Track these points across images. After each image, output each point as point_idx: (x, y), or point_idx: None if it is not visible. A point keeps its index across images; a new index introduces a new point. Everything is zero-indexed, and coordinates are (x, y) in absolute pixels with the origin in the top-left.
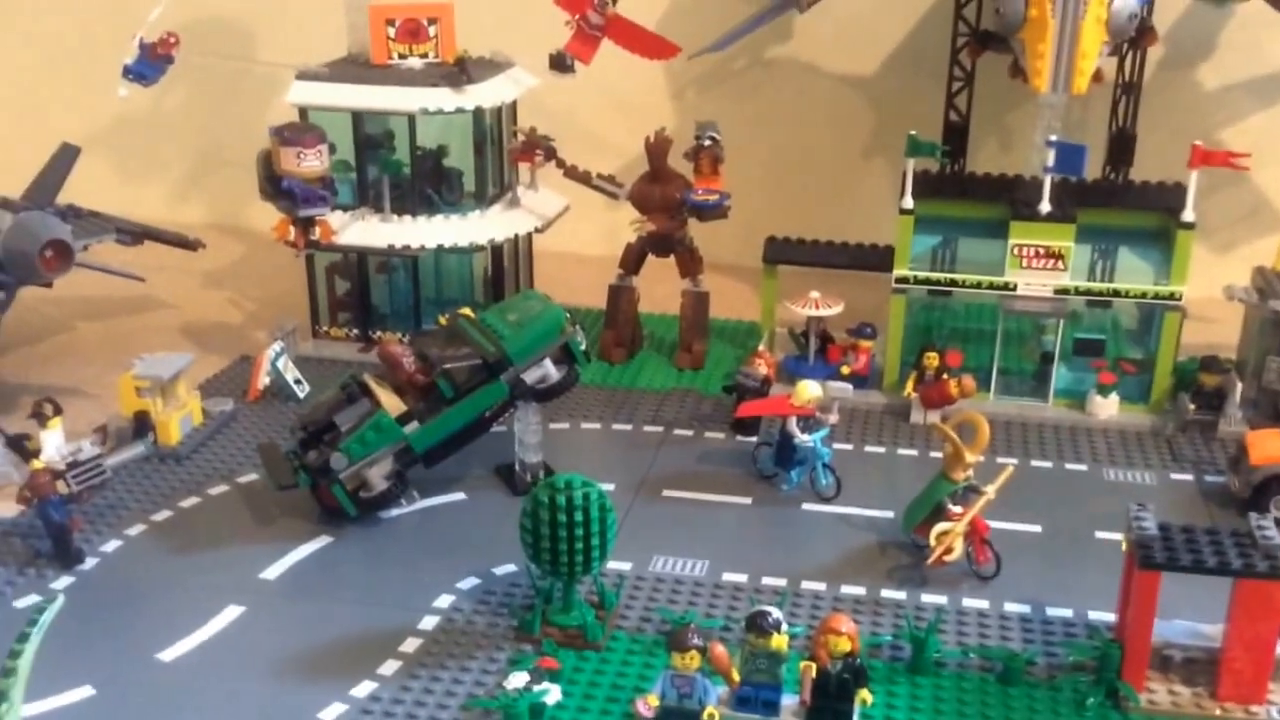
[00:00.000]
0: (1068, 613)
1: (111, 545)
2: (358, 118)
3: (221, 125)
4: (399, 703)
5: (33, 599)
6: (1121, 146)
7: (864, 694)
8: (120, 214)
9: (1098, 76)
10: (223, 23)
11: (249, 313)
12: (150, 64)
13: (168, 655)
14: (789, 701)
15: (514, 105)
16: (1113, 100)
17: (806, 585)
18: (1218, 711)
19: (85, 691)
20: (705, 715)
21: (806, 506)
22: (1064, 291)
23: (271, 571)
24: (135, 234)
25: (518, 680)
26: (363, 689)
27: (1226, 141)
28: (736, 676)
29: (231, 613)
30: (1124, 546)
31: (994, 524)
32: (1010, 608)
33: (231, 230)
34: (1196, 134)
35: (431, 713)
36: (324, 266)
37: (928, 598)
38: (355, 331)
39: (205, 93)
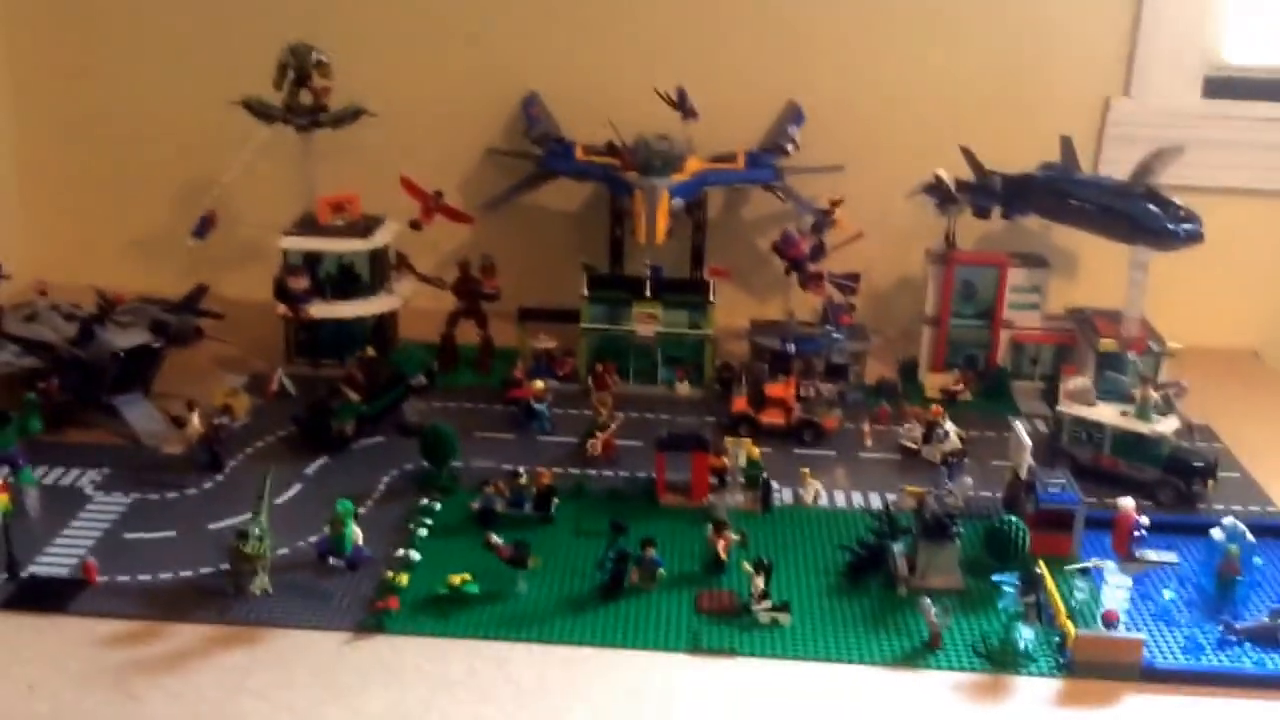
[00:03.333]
0: (642, 474)
1: (231, 464)
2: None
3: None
4: (383, 505)
5: (208, 485)
6: (695, 258)
7: (555, 501)
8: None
9: (671, 232)
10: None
11: (243, 347)
12: (204, 227)
13: (279, 500)
14: (528, 505)
15: (386, 245)
16: (692, 233)
17: (540, 468)
18: (690, 502)
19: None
20: (498, 510)
21: (540, 438)
22: (658, 333)
23: (309, 468)
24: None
25: (425, 499)
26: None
27: (754, 243)
28: (508, 494)
29: (293, 491)
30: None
31: (619, 441)
32: (622, 474)
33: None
34: (749, 246)
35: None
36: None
37: (591, 472)
38: (308, 359)
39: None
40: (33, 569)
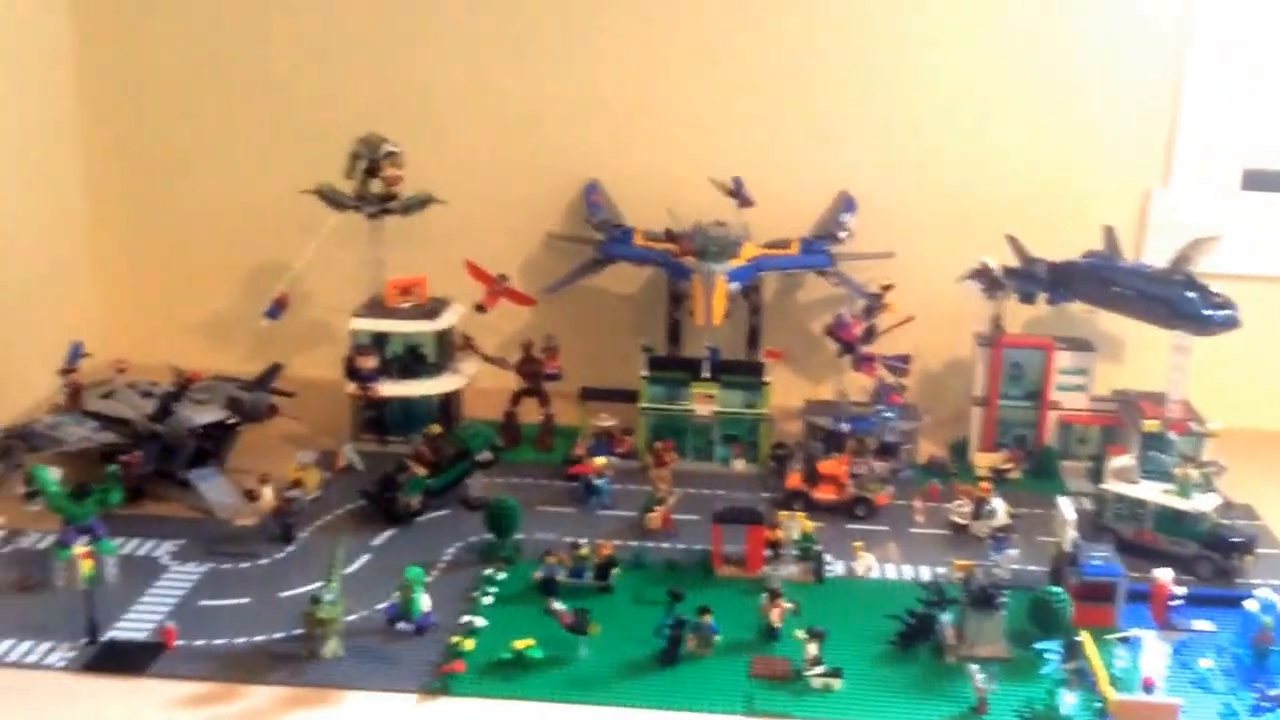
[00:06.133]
0: (699, 546)
1: (302, 534)
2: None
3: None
4: (449, 574)
5: (279, 555)
6: (751, 340)
7: (615, 571)
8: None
9: (728, 315)
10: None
11: (313, 424)
12: (277, 308)
13: (349, 570)
14: (589, 575)
15: (451, 326)
16: (748, 316)
17: (600, 540)
18: (746, 573)
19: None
20: (560, 579)
21: (601, 513)
22: (715, 412)
23: (377, 540)
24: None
25: (489, 569)
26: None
27: (808, 327)
28: (570, 564)
29: (361, 561)
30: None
31: (676, 516)
32: (678, 546)
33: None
34: (803, 329)
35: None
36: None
37: (649, 544)
38: (376, 435)
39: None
40: (112, 634)
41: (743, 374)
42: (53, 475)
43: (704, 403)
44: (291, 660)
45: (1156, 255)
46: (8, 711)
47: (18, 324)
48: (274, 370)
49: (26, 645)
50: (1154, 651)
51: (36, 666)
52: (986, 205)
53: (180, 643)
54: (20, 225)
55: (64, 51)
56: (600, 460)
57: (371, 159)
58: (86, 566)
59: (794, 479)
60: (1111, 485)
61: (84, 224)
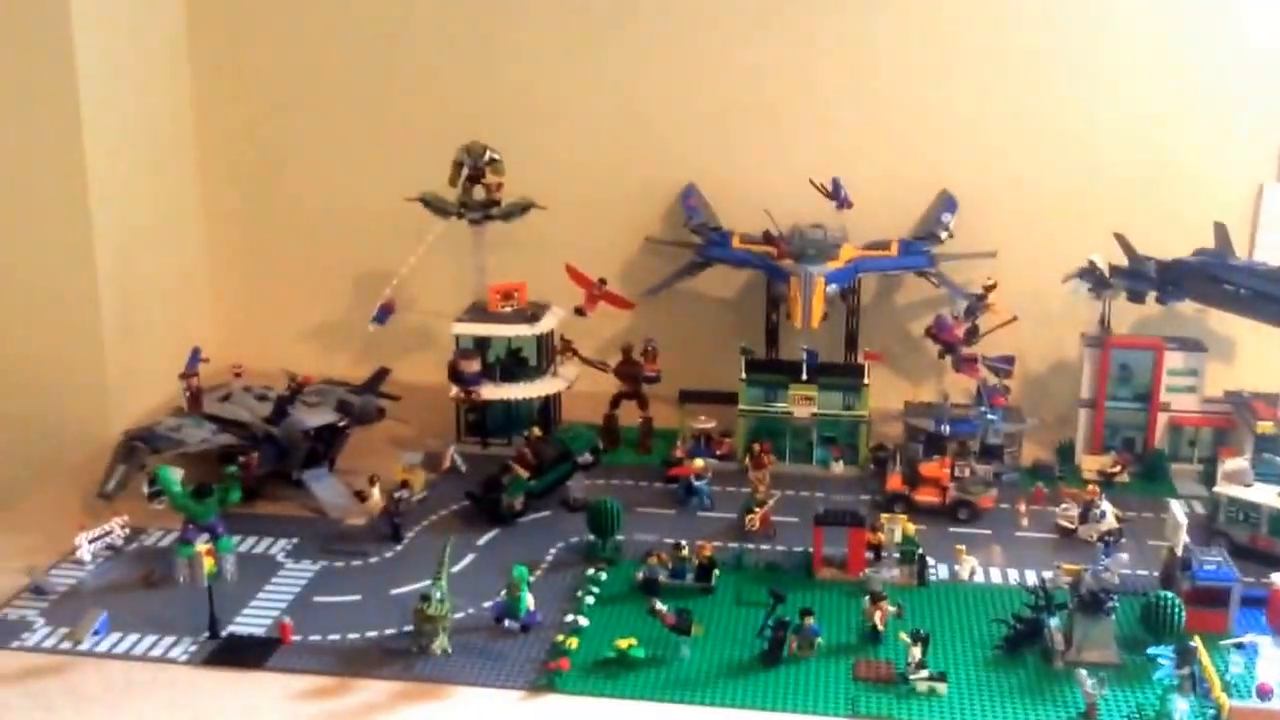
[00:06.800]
0: (799, 549)
1: (410, 534)
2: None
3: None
4: (552, 574)
5: (389, 554)
6: (849, 342)
7: (716, 572)
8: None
9: (826, 317)
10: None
11: (418, 427)
12: (384, 314)
13: (454, 569)
14: (690, 576)
15: (552, 330)
16: (846, 318)
17: (700, 541)
18: (847, 576)
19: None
20: (662, 578)
21: (700, 514)
22: (814, 414)
23: (481, 540)
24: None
25: (591, 569)
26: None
27: (908, 328)
28: (671, 565)
29: (466, 560)
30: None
31: (776, 518)
32: (778, 548)
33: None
34: (903, 330)
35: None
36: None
37: (749, 546)
38: (478, 437)
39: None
40: (232, 628)
41: (841, 376)
42: (175, 476)
43: (802, 405)
44: (402, 655)
45: (1270, 252)
46: (135, 702)
47: (141, 332)
48: (381, 374)
49: (151, 639)
50: (1270, 657)
51: (161, 660)
52: (1092, 203)
53: (296, 637)
54: (143, 241)
55: (179, 68)
56: (699, 462)
57: (474, 166)
58: (208, 564)
59: (895, 481)
60: (1224, 488)
61: (201, 237)
